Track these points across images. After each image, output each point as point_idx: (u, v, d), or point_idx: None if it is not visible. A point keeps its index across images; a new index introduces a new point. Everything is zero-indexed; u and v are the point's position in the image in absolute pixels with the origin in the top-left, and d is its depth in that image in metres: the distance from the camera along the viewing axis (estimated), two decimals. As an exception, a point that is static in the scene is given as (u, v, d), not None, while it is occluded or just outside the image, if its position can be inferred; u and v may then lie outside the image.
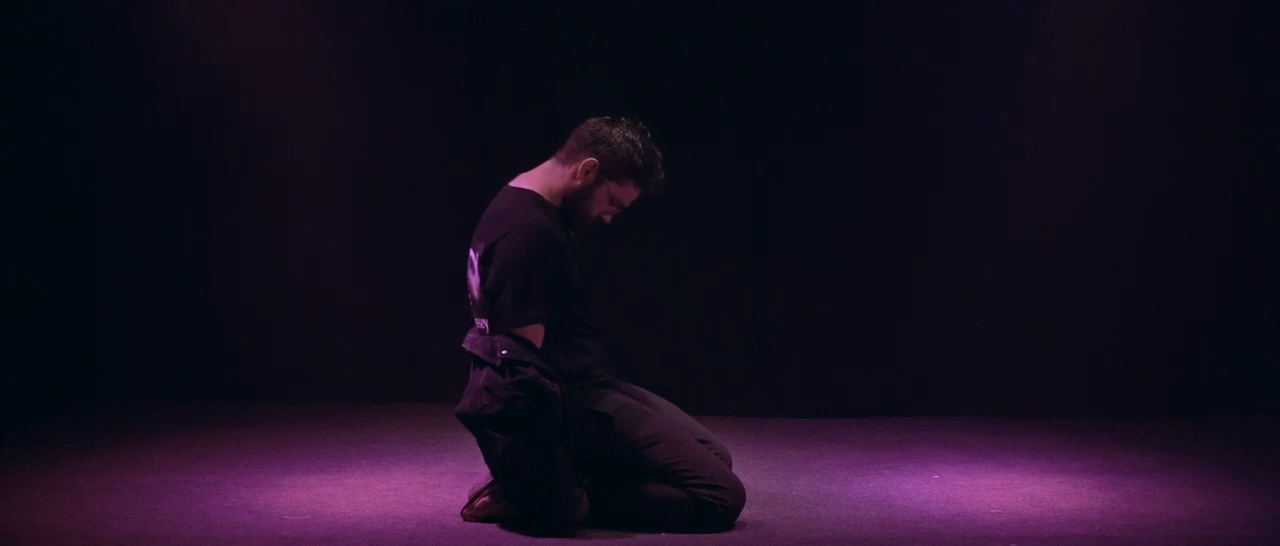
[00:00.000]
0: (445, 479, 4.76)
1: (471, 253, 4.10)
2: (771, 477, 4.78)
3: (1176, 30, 5.94)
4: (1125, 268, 6.05)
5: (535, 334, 3.95)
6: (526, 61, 6.14)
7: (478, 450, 4.11)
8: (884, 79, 6.05)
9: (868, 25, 6.06)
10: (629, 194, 4.16)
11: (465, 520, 4.16)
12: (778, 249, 6.12)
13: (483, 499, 4.15)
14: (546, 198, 4.11)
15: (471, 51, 6.20)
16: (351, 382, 6.32)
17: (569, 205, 4.14)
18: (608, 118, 4.15)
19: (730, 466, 4.24)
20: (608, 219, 4.21)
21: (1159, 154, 5.99)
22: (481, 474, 4.29)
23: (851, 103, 6.06)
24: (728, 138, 6.08)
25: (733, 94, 6.06)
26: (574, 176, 4.11)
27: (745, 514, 4.12)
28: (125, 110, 6.32)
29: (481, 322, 4.05)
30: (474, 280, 4.08)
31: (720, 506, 4.02)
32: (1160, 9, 5.94)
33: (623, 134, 4.11)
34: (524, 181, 4.16)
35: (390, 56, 6.26)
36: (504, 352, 3.88)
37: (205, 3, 6.23)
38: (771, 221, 6.11)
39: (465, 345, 4.06)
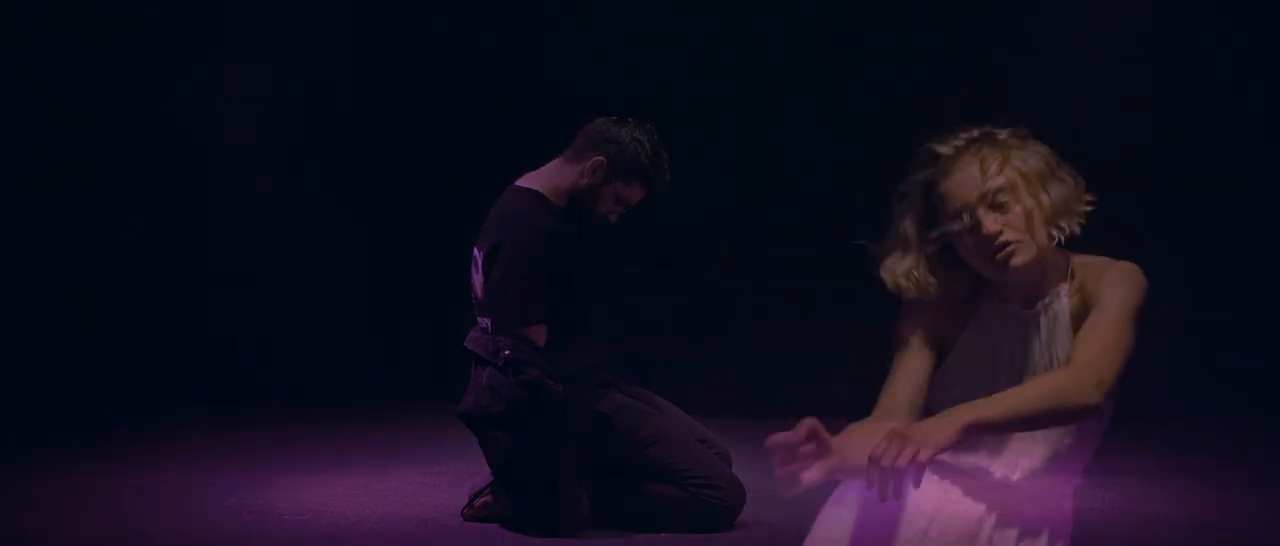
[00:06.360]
0: (445, 479, 4.76)
1: (476, 252, 4.09)
2: (771, 477, 4.76)
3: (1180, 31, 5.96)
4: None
5: (537, 334, 3.95)
6: (526, 60, 6.14)
7: (478, 450, 4.11)
8: (884, 78, 6.05)
9: (867, 25, 6.06)
10: (635, 194, 4.15)
11: (465, 520, 4.15)
12: (778, 248, 6.12)
13: (483, 498, 4.15)
14: (551, 197, 4.09)
15: (471, 51, 6.20)
16: (351, 383, 6.32)
17: (575, 204, 4.13)
18: (615, 117, 4.13)
19: (730, 466, 4.23)
20: (613, 218, 4.19)
21: (1158, 152, 6.00)
22: (481, 474, 4.28)
23: (852, 101, 6.06)
24: (728, 136, 6.07)
25: (733, 92, 6.06)
26: (581, 175, 4.10)
27: (745, 513, 4.11)
28: (128, 112, 6.33)
29: (484, 321, 4.05)
30: (478, 279, 4.07)
31: (720, 505, 4.02)
32: (1166, 9, 5.95)
33: (630, 134, 4.10)
34: (529, 181, 4.14)
35: (390, 55, 6.27)
36: (507, 352, 3.88)
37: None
38: (772, 221, 6.11)
39: (467, 344, 4.06)
